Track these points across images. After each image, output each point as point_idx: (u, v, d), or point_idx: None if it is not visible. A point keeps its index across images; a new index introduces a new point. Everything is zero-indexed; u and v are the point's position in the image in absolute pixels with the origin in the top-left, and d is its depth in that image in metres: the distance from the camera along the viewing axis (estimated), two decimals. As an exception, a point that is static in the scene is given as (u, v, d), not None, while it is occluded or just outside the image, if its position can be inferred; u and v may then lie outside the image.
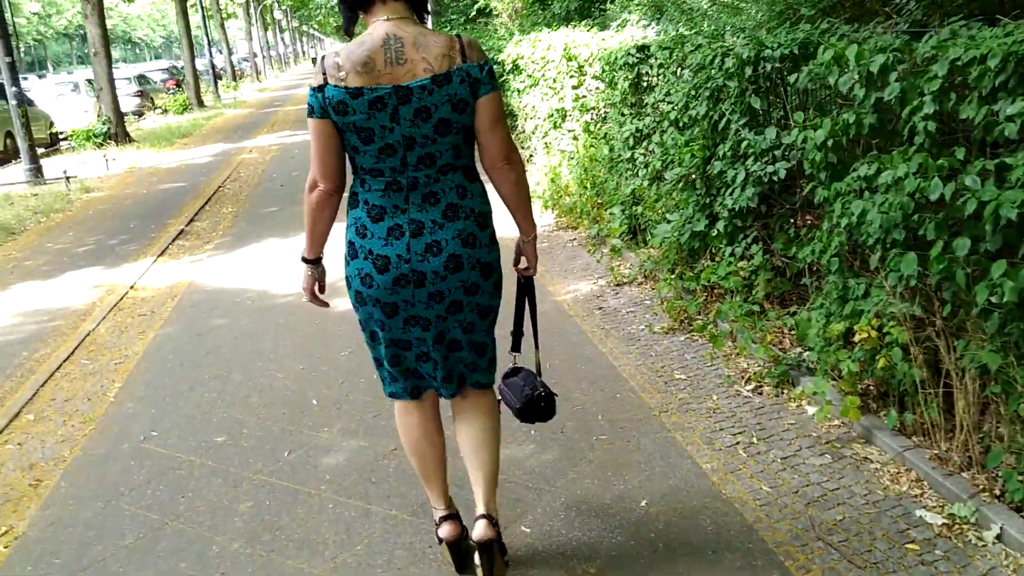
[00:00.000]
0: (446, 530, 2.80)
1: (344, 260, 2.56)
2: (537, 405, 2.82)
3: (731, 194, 4.50)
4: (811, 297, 4.13)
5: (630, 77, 6.25)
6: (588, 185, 7.01)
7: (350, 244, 2.51)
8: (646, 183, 5.93)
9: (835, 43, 3.66)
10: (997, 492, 2.91)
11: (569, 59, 7.76)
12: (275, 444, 3.93)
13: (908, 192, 2.99)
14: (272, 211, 9.67)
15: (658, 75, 5.87)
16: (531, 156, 9.62)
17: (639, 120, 6.19)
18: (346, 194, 2.58)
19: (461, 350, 2.66)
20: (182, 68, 29.57)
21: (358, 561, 2.99)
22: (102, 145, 17.25)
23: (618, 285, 5.76)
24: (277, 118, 21.82)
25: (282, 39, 70.02)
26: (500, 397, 2.91)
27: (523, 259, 2.78)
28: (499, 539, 2.75)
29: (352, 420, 4.10)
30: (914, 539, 2.84)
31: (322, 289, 2.79)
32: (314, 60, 74.18)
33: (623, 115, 6.45)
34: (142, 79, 27.99)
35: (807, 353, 4.01)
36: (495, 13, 17.02)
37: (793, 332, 4.24)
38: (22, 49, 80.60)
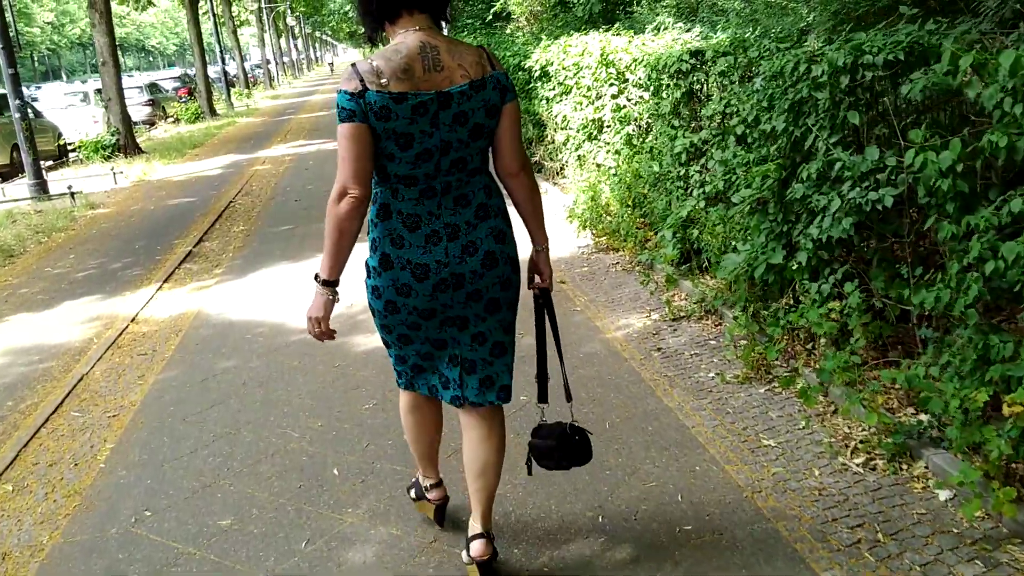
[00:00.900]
0: (436, 494, 3.12)
1: (371, 272, 2.58)
2: (572, 440, 2.80)
3: (820, 222, 3.84)
4: (925, 349, 3.47)
5: (683, 86, 5.60)
6: (631, 204, 6.36)
7: (384, 257, 2.52)
8: (702, 204, 5.28)
9: (960, 48, 3.01)
10: None
11: (607, 65, 7.11)
12: (290, 530, 3.29)
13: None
14: (285, 229, 9.06)
15: (716, 84, 5.22)
16: (561, 169, 8.97)
17: (693, 134, 5.54)
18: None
19: (498, 352, 2.71)
20: (194, 76, 29.08)
21: None
22: (110, 157, 16.73)
23: (675, 320, 5.11)
24: (291, 126, 21.26)
25: (295, 45, 69.70)
26: (531, 454, 2.86)
27: (536, 274, 2.78)
28: (495, 556, 2.81)
29: (381, 498, 3.46)
30: None
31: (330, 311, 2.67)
32: (331, 65, 74.71)
33: (673, 128, 5.80)
34: (153, 88, 27.55)
35: (924, 416, 3.35)
36: (513, 17, 16.40)
37: (899, 387, 3.58)
38: (36, 59, 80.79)
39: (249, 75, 41.52)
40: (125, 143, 17.45)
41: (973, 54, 2.84)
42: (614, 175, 6.54)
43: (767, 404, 3.92)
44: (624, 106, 6.89)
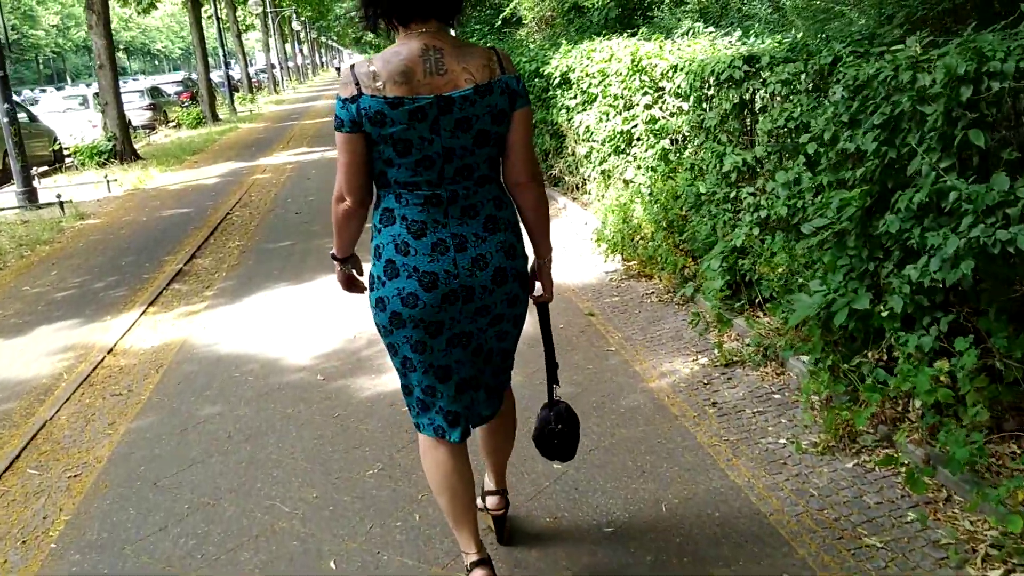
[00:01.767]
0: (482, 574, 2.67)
1: (375, 283, 2.47)
2: (550, 441, 2.84)
3: (924, 264, 3.16)
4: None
5: (733, 96, 4.92)
6: (666, 226, 5.68)
7: (388, 264, 2.41)
8: (756, 231, 4.61)
9: None
10: None
11: (640, 72, 6.43)
12: (274, 652, 2.62)
13: None
14: (285, 246, 8.39)
15: (776, 94, 4.54)
16: (583, 183, 8.29)
17: (745, 151, 4.86)
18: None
19: (491, 360, 2.63)
20: (197, 80, 28.45)
21: None
22: (105, 164, 16.08)
23: (727, 366, 4.42)
24: (294, 133, 20.62)
25: (300, 51, 69.17)
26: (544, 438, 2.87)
27: (538, 285, 2.68)
28: (508, 507, 3.02)
29: (388, 606, 2.78)
30: None
31: (360, 273, 2.74)
32: (338, 70, 74.42)
33: (720, 144, 5.12)
34: (155, 92, 26.92)
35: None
36: (524, 23, 15.75)
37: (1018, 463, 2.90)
38: (40, 62, 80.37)
39: (253, 80, 40.92)
40: (122, 149, 16.80)
41: None
42: (649, 194, 5.84)
43: (860, 485, 3.22)
44: (660, 118, 6.20)
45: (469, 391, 2.61)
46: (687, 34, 8.22)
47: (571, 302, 5.67)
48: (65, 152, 17.98)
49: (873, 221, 3.58)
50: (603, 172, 7.36)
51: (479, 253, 2.40)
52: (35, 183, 12.70)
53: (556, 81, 8.47)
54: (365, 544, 3.14)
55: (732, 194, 4.91)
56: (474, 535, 2.66)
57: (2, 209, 11.99)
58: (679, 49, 6.47)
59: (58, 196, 11.69)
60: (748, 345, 4.56)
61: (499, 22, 16.32)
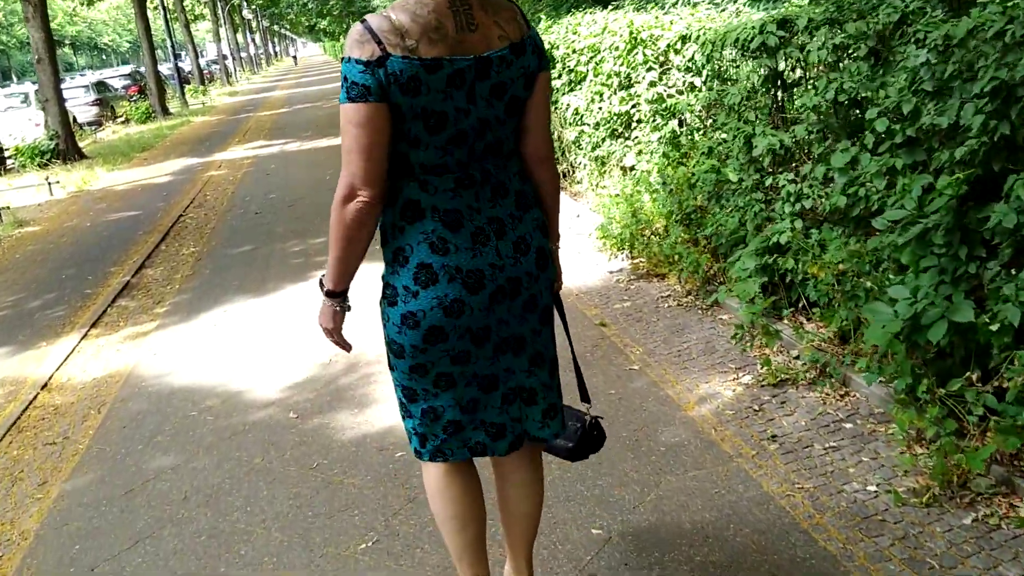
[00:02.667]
0: None
1: (399, 297, 1.99)
2: (590, 435, 2.40)
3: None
4: None
5: (764, 68, 4.23)
6: (682, 219, 4.99)
7: (422, 269, 1.95)
8: (797, 224, 3.94)
9: None
10: None
11: (640, 45, 5.71)
12: None
13: None
14: (245, 251, 7.58)
15: (820, 62, 3.86)
16: (570, 171, 7.57)
17: (780, 131, 4.17)
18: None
19: (542, 364, 2.18)
20: (145, 73, 27.22)
21: None
22: (47, 164, 15.06)
23: (775, 385, 3.74)
24: (250, 125, 19.64)
25: (252, 40, 67.47)
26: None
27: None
28: None
29: None
30: None
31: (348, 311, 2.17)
32: (295, 58, 72.78)
33: (747, 123, 4.42)
34: (101, 86, 25.69)
35: None
36: None
37: None
38: (-18, 59, 77.72)
39: (205, 71, 39.56)
40: (65, 148, 15.78)
41: None
42: (661, 183, 5.13)
43: (988, 550, 2.56)
44: (669, 95, 5.49)
45: (518, 401, 2.17)
46: (677, 4, 7.54)
47: (576, 308, 4.96)
48: (5, 154, 16.90)
49: (970, 212, 2.92)
50: (597, 159, 6.65)
51: (519, 235, 2.04)
52: (-31, 189, 11.72)
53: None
54: (364, 658, 2.43)
55: (767, 181, 4.22)
56: (483, 558, 2.32)
57: (-67, 218, 11.02)
58: (680, 19, 5.77)
59: (-7, 202, 10.75)
60: (796, 358, 3.90)
61: None
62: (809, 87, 3.89)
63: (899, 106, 3.14)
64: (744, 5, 5.61)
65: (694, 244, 4.92)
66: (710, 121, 5.24)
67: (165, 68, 33.73)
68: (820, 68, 3.89)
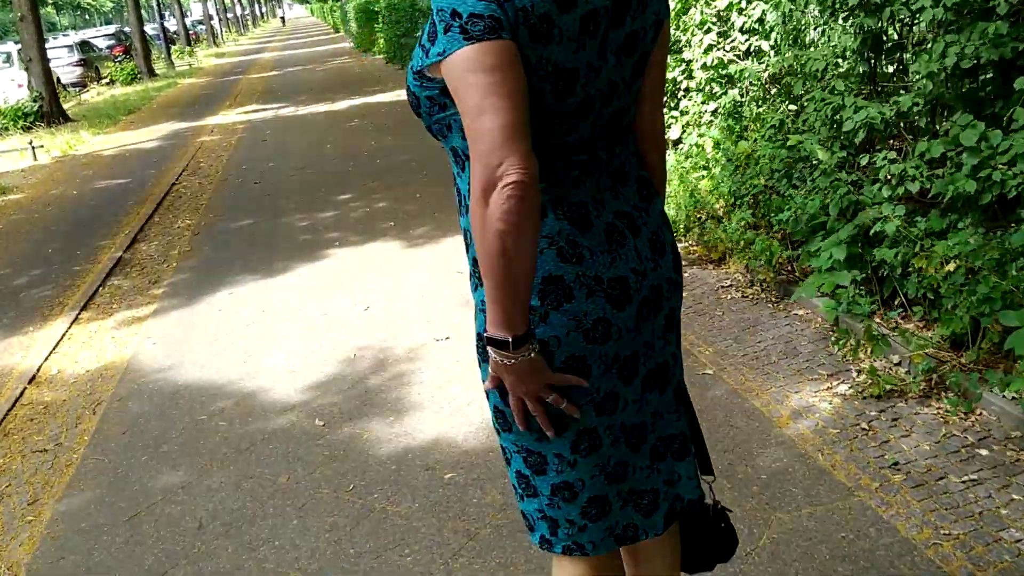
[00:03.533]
0: None
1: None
2: (716, 528, 1.81)
3: None
4: None
5: (856, 29, 3.69)
6: (750, 201, 4.47)
7: (550, 283, 1.43)
8: (898, 210, 3.43)
9: None
10: None
11: (692, 4, 5.14)
12: None
13: None
14: (246, 225, 7.02)
15: (936, 21, 3.33)
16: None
17: (875, 103, 3.65)
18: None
19: (685, 399, 1.70)
20: (130, 33, 26.30)
21: None
22: (31, 127, 14.36)
23: (879, 398, 3.25)
24: (240, 88, 18.91)
25: (239, 1, 66.03)
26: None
27: None
28: None
29: None
30: None
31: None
32: (283, 19, 71.05)
33: (834, 93, 3.88)
34: (85, 46, 24.86)
35: None
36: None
37: None
38: (-39, 17, 75.78)
39: (191, 31, 38.52)
40: (49, 110, 15.08)
41: None
42: (726, 159, 4.58)
43: None
44: (731, 61, 4.93)
45: (668, 455, 1.67)
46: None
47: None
48: (-13, 115, 16.17)
49: None
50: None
51: (652, 231, 1.57)
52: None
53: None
54: None
55: (863, 161, 3.70)
56: None
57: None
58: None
59: (-27, 167, 10.11)
60: (897, 364, 3.41)
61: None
62: (921, 52, 3.36)
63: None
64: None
65: (754, 228, 4.41)
66: (774, 90, 4.70)
67: (150, 28, 32.74)
68: (936, 30, 3.36)
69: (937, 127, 3.49)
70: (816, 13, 3.97)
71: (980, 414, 3.04)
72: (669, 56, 5.20)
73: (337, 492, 3.05)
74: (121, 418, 3.83)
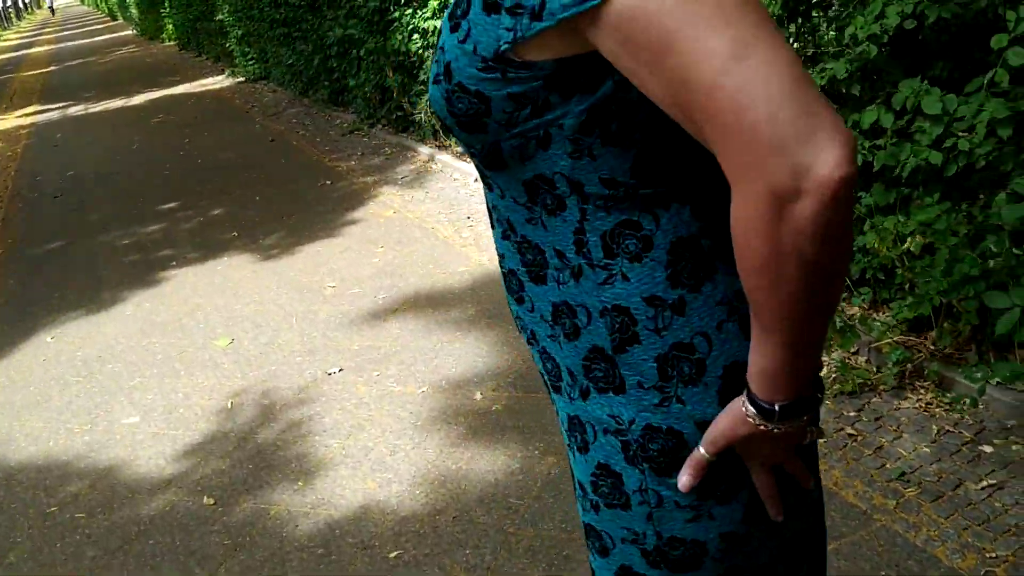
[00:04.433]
0: None
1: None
2: None
3: None
4: None
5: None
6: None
7: (736, 372, 0.97)
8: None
9: None
10: None
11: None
12: None
13: None
14: (56, 248, 6.01)
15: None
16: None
17: (812, 68, 3.34)
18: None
19: None
20: None
21: None
22: None
23: (851, 394, 2.96)
24: (14, 88, 16.91)
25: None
26: None
27: None
28: None
29: None
30: None
31: None
32: (52, 9, 64.79)
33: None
34: None
35: None
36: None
37: None
38: None
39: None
40: None
41: None
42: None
43: None
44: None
45: None
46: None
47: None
48: None
49: None
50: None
51: None
52: None
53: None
54: None
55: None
56: None
57: None
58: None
59: None
60: (855, 353, 3.14)
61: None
62: (854, 13, 3.06)
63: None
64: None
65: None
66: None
67: None
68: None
69: (874, 95, 3.22)
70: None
71: (964, 403, 2.80)
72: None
73: (253, 597, 2.42)
74: (-62, 523, 2.99)
